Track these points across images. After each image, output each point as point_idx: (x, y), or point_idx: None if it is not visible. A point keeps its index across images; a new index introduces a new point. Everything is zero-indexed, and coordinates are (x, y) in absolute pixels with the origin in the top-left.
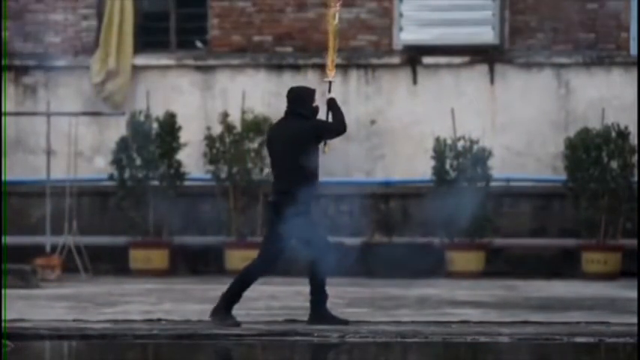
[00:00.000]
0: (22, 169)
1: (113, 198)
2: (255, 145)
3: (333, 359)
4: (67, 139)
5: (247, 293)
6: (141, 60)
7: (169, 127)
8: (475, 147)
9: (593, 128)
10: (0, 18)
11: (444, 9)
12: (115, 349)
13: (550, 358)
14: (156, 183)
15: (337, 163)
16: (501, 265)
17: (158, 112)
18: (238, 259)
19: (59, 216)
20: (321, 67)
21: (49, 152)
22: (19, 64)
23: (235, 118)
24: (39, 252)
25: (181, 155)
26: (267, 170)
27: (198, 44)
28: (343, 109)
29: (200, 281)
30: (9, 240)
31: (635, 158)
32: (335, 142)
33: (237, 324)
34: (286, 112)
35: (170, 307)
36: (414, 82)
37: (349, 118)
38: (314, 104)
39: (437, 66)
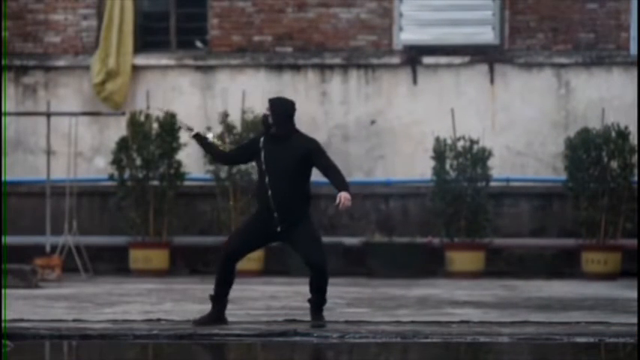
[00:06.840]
0: (22, 169)
1: (113, 198)
2: None
3: (333, 359)
4: (67, 139)
5: (247, 293)
6: (141, 60)
7: (169, 127)
8: (475, 147)
9: (593, 128)
10: (0, 18)
11: (444, 9)
12: (115, 349)
13: (550, 358)
14: (156, 183)
15: (337, 163)
16: (501, 265)
17: (158, 112)
18: None
19: (59, 216)
20: (321, 67)
21: (49, 152)
22: (19, 64)
23: (235, 118)
24: (39, 252)
25: (181, 155)
26: None
27: (198, 44)
28: (343, 108)
29: (200, 281)
30: (9, 240)
31: (635, 158)
32: (335, 142)
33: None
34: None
35: (170, 307)
36: (414, 82)
37: (349, 118)
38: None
39: (437, 66)
